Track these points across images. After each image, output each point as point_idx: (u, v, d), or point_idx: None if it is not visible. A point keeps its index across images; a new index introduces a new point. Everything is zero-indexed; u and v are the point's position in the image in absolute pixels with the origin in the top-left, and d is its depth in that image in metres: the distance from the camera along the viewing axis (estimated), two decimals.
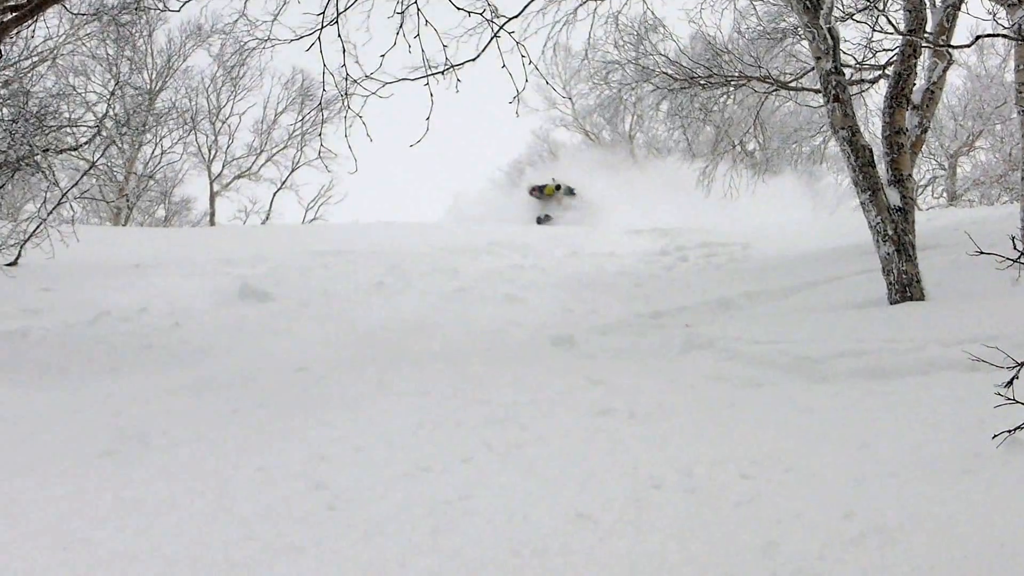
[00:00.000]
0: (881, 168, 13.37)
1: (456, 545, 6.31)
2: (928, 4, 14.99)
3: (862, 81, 19.47)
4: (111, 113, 18.78)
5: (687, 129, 21.87)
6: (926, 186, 42.53)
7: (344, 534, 6.61)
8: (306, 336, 15.10)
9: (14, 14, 11.53)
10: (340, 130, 11.90)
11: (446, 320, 16.16)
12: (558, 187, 37.80)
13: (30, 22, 15.59)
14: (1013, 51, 16.06)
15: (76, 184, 20.65)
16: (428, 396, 10.01)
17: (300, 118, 46.74)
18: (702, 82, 20.01)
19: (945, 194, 41.88)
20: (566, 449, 8.05)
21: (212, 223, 44.86)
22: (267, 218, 48.36)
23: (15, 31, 16.72)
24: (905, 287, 12.99)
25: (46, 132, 18.36)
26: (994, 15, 17.98)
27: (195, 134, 44.45)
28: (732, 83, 19.89)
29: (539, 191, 38.81)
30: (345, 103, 11.20)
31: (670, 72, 20.01)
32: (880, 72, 19.03)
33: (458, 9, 11.27)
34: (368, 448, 8.35)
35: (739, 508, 6.71)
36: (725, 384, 10.01)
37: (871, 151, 13.05)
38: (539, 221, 35.39)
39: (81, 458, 8.50)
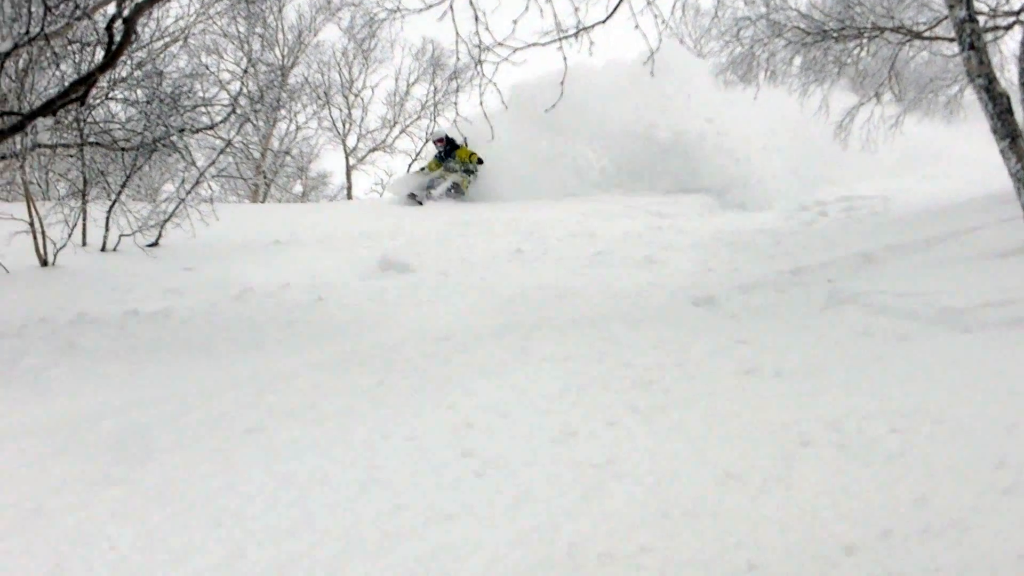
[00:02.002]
0: (1019, 115, 13.08)
1: (606, 508, 6.34)
2: None
3: (996, 28, 19.03)
4: (245, 91, 18.97)
5: (821, 83, 21.52)
6: None
7: (494, 500, 6.67)
8: (447, 306, 15.19)
9: None
10: (473, 98, 11.91)
11: (586, 284, 16.15)
12: (471, 156, 26.32)
13: (162, 3, 15.78)
14: None
15: (213, 163, 20.88)
16: (571, 361, 10.02)
17: (432, 88, 46.75)
18: (835, 35, 19.69)
19: None
20: (712, 409, 8.03)
21: (349, 197, 45.01)
22: None
23: (148, 12, 16.96)
24: None
25: (181, 112, 18.59)
26: None
27: (329, 108, 44.49)
28: (865, 35, 19.55)
29: (444, 147, 26.49)
30: (479, 70, 11.18)
31: (802, 26, 19.73)
32: (1015, 18, 18.60)
33: None
34: (514, 414, 8.39)
35: (890, 462, 6.65)
36: (870, 338, 9.89)
37: (1008, 98, 12.75)
38: (411, 196, 25.66)
39: (230, 435, 8.65)
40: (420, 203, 25.31)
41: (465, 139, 25.70)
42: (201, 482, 7.49)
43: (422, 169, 27.16)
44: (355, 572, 5.87)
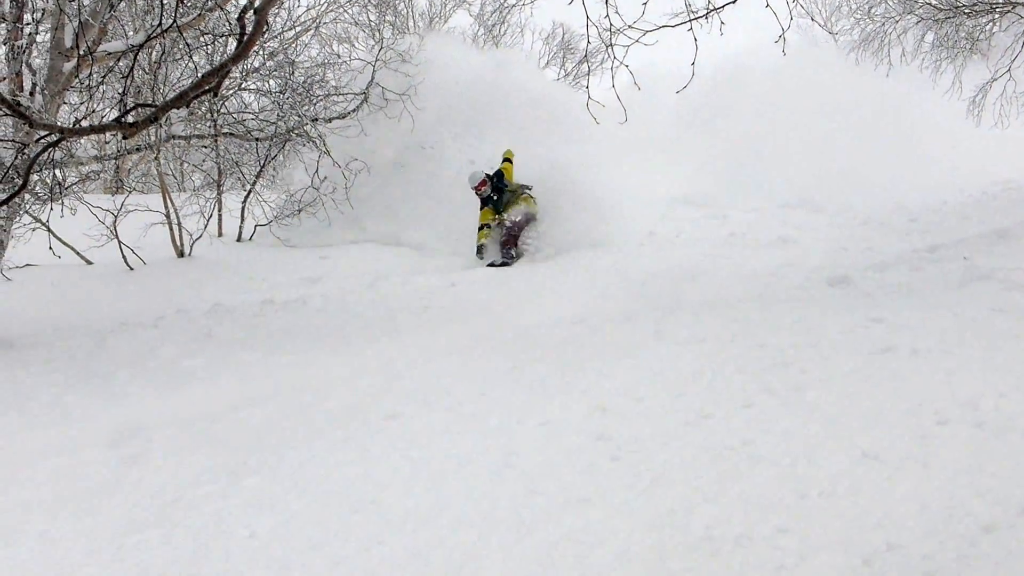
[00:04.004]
0: None
1: (742, 490, 6.33)
2: None
3: None
4: (376, 80, 19.11)
5: (954, 60, 21.22)
6: None
7: (629, 484, 6.68)
8: (579, 289, 15.22)
9: None
10: (603, 82, 11.90)
11: (719, 266, 16.09)
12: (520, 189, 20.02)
13: None
14: None
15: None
16: (706, 343, 10.00)
17: (563, 71, 46.64)
18: (967, 11, 19.44)
19: None
20: (848, 389, 7.96)
21: None
22: None
23: (279, 2, 17.18)
24: None
25: (314, 102, 18.78)
26: None
27: None
28: (997, 10, 19.27)
29: (491, 187, 19.82)
30: (610, 52, 11.16)
31: (934, 2, 19.50)
32: None
33: None
34: (648, 398, 8.40)
35: None
36: (1008, 315, 9.75)
37: None
38: (503, 264, 19.40)
39: (366, 422, 8.75)
40: (509, 264, 19.22)
41: (503, 165, 19.91)
42: (337, 470, 7.59)
43: (482, 228, 19.70)
44: (492, 558, 5.92)
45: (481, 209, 19.71)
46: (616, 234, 19.25)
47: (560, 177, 20.02)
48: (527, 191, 19.72)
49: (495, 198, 19.58)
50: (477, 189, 19.54)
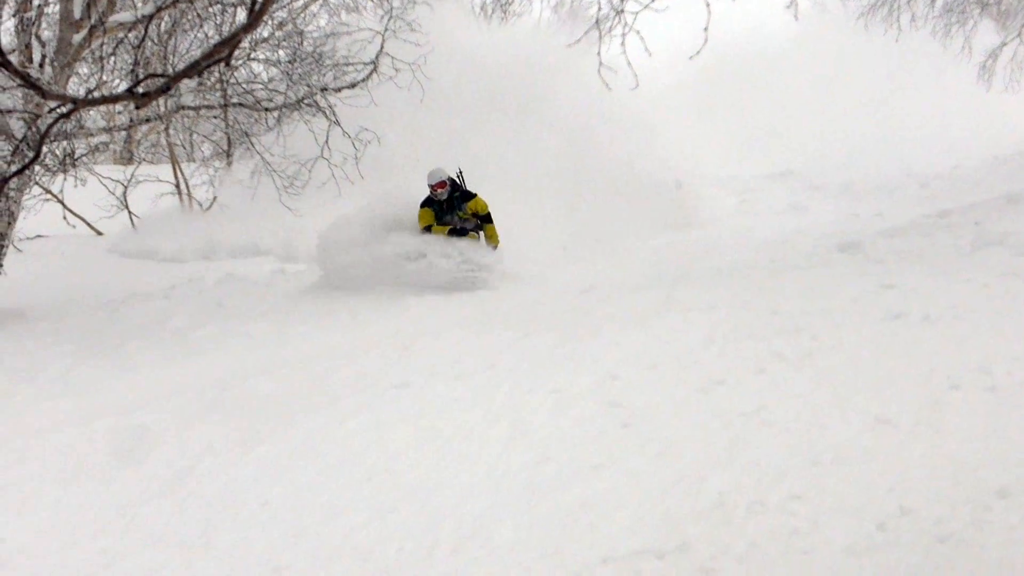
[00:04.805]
0: None
1: (754, 457, 6.33)
2: None
3: None
4: (385, 50, 19.08)
5: (964, 24, 21.12)
6: None
7: (640, 451, 6.69)
8: (589, 259, 15.24)
9: None
10: (612, 49, 11.83)
11: (731, 233, 16.09)
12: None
13: None
14: None
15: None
16: (717, 310, 9.98)
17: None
18: None
19: None
20: (860, 355, 7.96)
21: None
22: None
23: None
24: None
25: (323, 72, 18.72)
26: None
27: None
28: None
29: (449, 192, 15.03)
30: (620, 19, 11.11)
31: None
32: None
33: None
34: (660, 365, 8.39)
35: None
36: (1020, 280, 9.71)
37: None
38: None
39: (377, 391, 8.76)
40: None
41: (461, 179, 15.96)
42: (349, 439, 7.60)
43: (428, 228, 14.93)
44: (503, 525, 5.93)
45: (423, 208, 14.98)
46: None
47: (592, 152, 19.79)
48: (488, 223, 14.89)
49: (443, 209, 14.92)
50: (434, 188, 14.73)
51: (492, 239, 14.61)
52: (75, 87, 17.19)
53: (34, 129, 10.23)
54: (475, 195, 14.85)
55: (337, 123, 17.74)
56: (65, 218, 18.78)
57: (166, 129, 18.67)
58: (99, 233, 19.66)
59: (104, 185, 19.45)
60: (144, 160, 31.33)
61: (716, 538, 5.38)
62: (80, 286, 16.22)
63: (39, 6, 13.02)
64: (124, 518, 6.66)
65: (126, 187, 19.05)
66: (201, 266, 17.49)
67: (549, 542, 5.62)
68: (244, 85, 17.95)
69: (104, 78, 15.68)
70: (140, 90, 6.23)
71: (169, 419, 8.51)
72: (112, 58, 16.04)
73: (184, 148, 28.70)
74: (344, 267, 14.60)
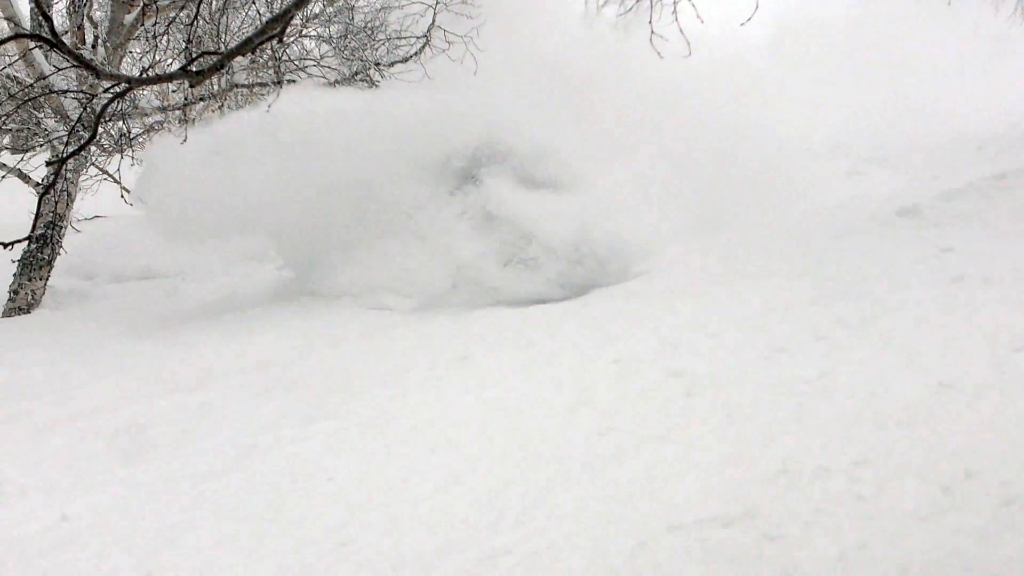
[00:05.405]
0: None
1: (819, 422, 6.31)
2: None
3: None
4: (437, 23, 19.04)
5: None
6: None
7: (704, 419, 6.68)
8: (646, 226, 15.19)
9: None
10: (662, 17, 11.73)
11: (788, 199, 16.00)
12: None
13: None
14: None
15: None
16: (776, 277, 9.94)
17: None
18: None
19: None
20: (922, 319, 7.90)
21: None
22: None
23: None
24: None
25: (375, 46, 18.70)
26: None
27: None
28: None
29: None
30: None
31: None
32: None
33: None
34: (721, 333, 8.37)
35: None
36: None
37: None
38: None
39: (439, 364, 8.80)
40: None
41: None
42: (413, 411, 7.66)
43: None
44: (568, 494, 5.94)
45: None
46: None
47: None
48: None
49: None
50: None
51: None
52: (128, 67, 17.27)
53: (89, 110, 10.29)
54: None
55: None
56: (123, 197, 18.86)
57: (220, 107, 18.68)
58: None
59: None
60: None
61: (781, 504, 5.37)
62: (138, 265, 16.36)
63: None
64: (190, 494, 6.73)
65: None
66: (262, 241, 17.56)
67: (614, 511, 5.63)
68: (297, 62, 17.99)
69: (157, 57, 15.77)
70: (194, 68, 6.24)
71: (233, 395, 8.59)
72: (165, 37, 16.11)
73: None
74: None
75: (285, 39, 16.85)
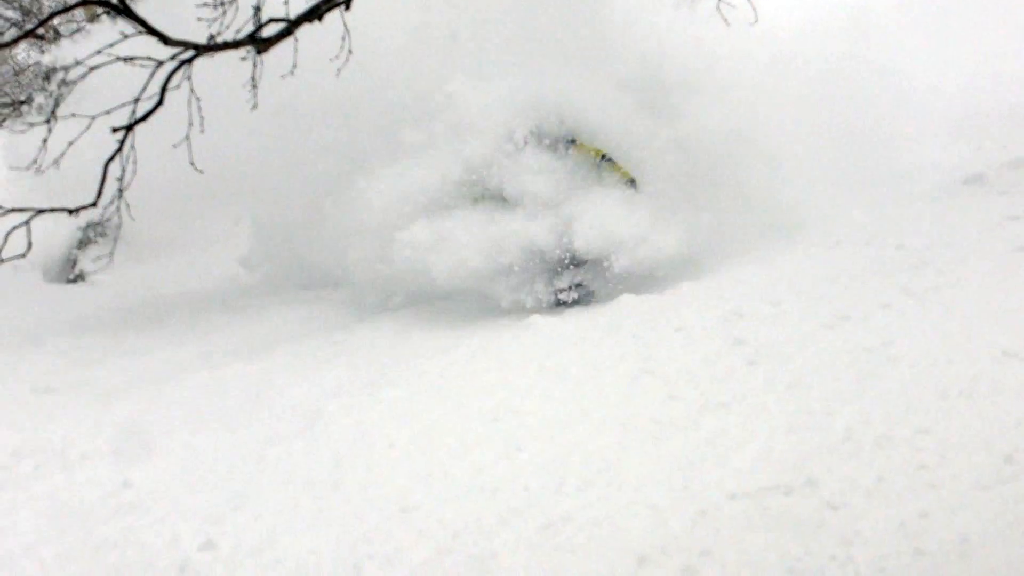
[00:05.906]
0: None
1: (881, 391, 6.28)
2: None
3: None
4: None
5: None
6: None
7: (767, 388, 6.67)
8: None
9: None
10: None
11: (853, 168, 15.89)
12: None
13: None
14: None
15: None
16: (840, 245, 9.91)
17: None
18: None
19: None
20: (986, 288, 7.84)
21: None
22: None
23: None
24: None
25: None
26: None
27: None
28: None
29: None
30: None
31: None
32: None
33: None
34: (784, 302, 8.34)
35: None
36: None
37: None
38: None
39: (499, 329, 8.88)
40: None
41: None
42: (475, 378, 7.75)
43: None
44: (631, 462, 5.96)
45: None
46: None
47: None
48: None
49: None
50: None
51: None
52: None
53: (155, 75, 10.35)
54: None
55: None
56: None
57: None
58: None
59: None
60: None
61: (843, 473, 5.36)
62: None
63: None
64: (253, 461, 6.80)
65: None
66: None
67: (676, 479, 5.64)
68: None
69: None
70: (261, 35, 6.28)
71: (297, 363, 8.66)
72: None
73: None
74: None
75: (353, 5, 16.87)
